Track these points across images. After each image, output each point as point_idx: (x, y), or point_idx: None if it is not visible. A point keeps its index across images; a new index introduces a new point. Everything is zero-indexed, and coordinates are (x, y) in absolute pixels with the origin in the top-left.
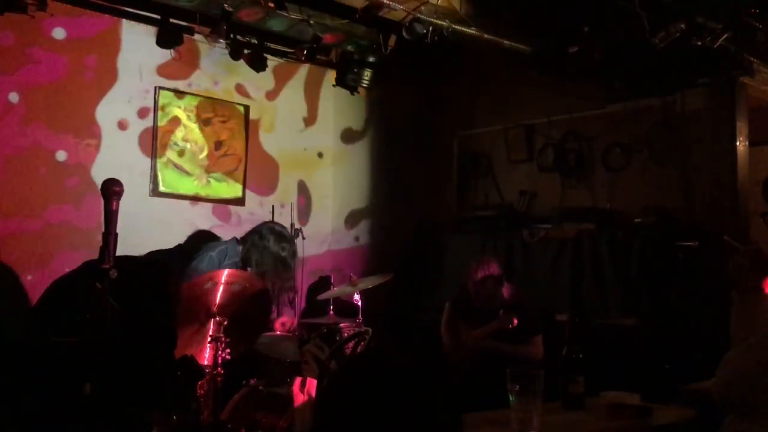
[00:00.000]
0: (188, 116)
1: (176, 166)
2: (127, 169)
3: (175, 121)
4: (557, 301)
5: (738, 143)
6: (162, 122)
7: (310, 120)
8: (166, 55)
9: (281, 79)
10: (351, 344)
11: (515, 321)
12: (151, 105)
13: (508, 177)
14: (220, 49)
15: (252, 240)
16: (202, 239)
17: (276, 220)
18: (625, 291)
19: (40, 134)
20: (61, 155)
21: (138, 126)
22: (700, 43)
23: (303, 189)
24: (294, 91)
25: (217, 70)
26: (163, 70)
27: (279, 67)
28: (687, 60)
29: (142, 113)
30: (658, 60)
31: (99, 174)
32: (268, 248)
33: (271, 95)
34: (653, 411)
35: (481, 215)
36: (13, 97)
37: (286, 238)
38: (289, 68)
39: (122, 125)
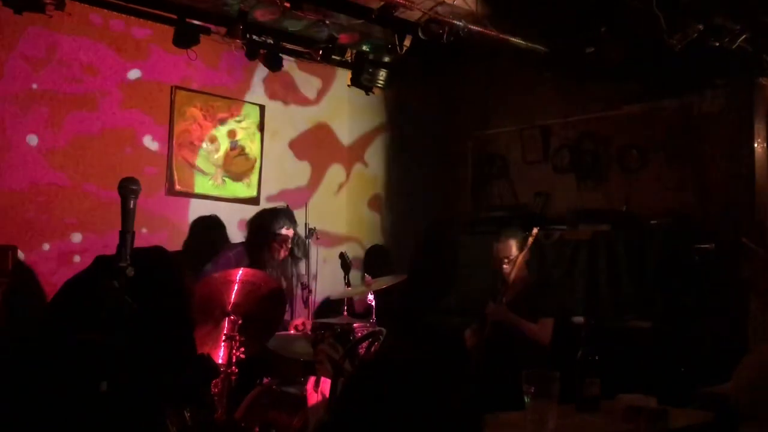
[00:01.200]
0: (204, 116)
1: (192, 166)
2: None
3: (191, 121)
4: (572, 303)
5: (756, 145)
6: (178, 121)
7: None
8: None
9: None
10: (365, 344)
11: None
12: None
13: (523, 178)
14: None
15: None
16: (217, 239)
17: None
18: (640, 293)
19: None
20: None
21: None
22: (718, 44)
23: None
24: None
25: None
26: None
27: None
28: (704, 61)
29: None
30: (675, 61)
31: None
32: (265, 226)
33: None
34: (669, 414)
35: (496, 216)
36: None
37: (283, 212)
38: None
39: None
